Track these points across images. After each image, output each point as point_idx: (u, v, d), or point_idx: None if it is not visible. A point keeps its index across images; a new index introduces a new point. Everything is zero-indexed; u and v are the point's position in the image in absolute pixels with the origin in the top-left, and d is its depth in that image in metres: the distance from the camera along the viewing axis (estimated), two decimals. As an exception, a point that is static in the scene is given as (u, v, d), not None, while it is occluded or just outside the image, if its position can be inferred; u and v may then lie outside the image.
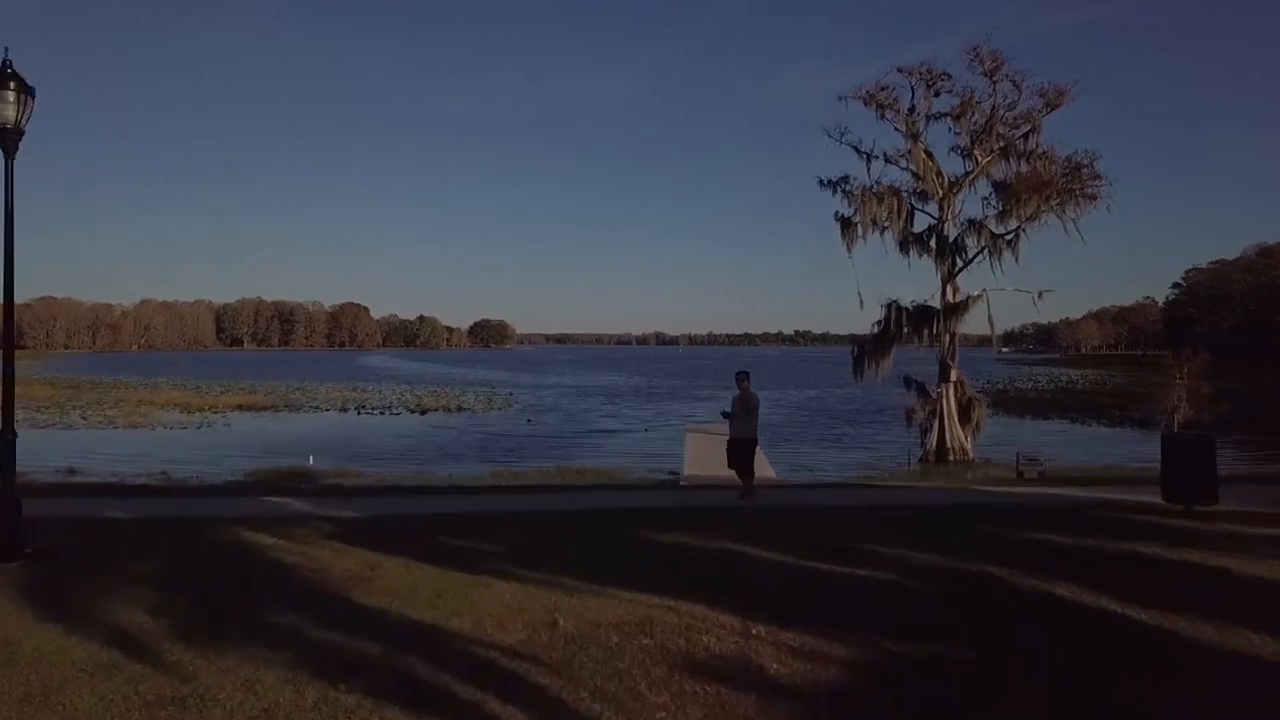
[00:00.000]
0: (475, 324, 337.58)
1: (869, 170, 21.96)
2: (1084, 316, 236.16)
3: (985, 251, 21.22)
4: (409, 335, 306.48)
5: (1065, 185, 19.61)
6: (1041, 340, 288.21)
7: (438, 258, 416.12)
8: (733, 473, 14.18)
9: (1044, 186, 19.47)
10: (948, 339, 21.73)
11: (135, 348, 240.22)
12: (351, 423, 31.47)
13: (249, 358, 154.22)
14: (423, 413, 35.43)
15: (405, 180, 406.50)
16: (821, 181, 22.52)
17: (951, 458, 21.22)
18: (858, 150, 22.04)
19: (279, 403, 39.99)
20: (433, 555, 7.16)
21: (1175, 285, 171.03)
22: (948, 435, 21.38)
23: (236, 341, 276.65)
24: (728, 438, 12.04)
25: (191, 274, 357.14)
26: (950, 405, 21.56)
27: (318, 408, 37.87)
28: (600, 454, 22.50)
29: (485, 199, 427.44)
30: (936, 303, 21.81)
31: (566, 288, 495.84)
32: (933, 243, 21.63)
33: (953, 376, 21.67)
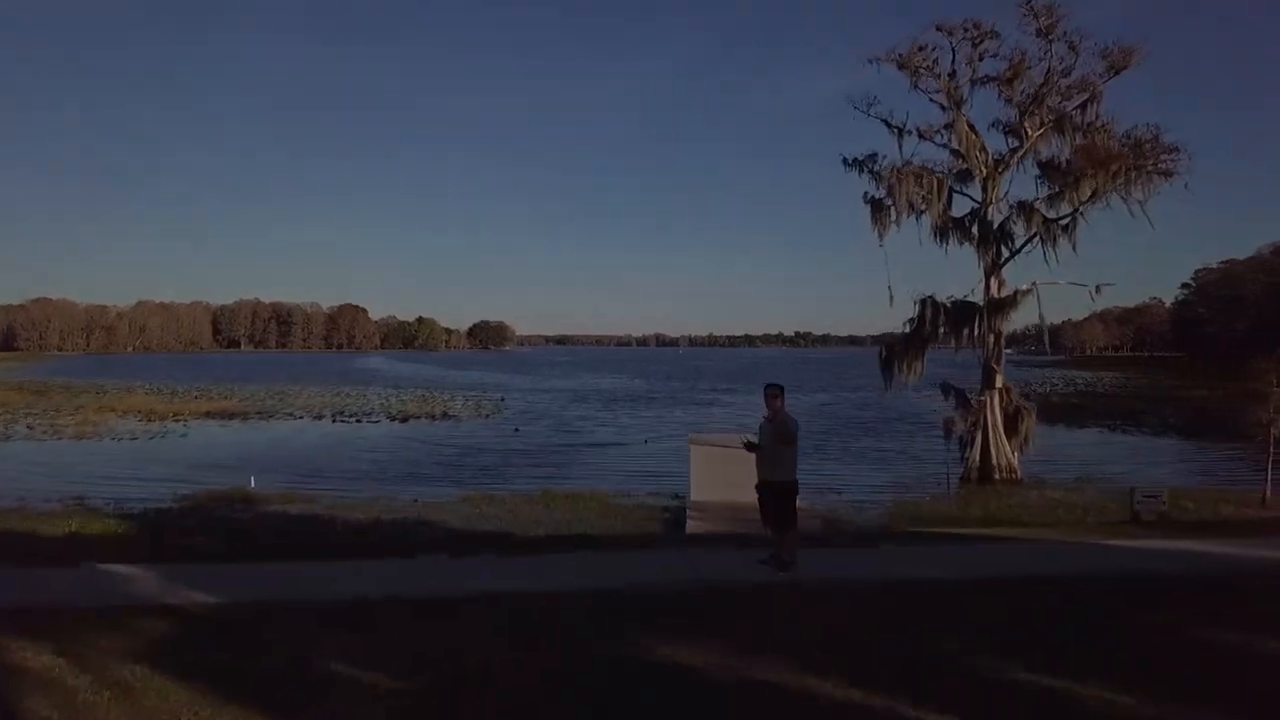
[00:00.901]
0: (474, 325, 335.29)
1: (901, 147, 19.20)
2: (1088, 318, 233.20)
3: (1037, 239, 18.41)
4: (407, 337, 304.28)
5: (1136, 161, 16.76)
6: (1037, 341, 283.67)
7: (437, 259, 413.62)
8: (753, 505, 11.43)
9: (1111, 161, 16.65)
10: (991, 340, 18.90)
11: (130, 349, 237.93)
12: (323, 433, 28.65)
13: (243, 359, 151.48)
14: (403, 420, 32.61)
15: (405, 181, 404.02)
16: (846, 161, 19.76)
17: (998, 476, 18.41)
18: (888, 124, 19.28)
19: (252, 409, 37.18)
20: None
21: (1184, 286, 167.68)
22: (993, 451, 18.56)
23: (234, 343, 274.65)
24: (756, 480, 7.88)
25: (189, 275, 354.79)
26: (995, 416, 18.74)
27: (292, 415, 35.05)
28: (593, 471, 19.69)
29: (485, 200, 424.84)
30: (978, 298, 19.05)
31: (566, 289, 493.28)
32: (975, 229, 18.82)
33: (998, 383, 18.84)
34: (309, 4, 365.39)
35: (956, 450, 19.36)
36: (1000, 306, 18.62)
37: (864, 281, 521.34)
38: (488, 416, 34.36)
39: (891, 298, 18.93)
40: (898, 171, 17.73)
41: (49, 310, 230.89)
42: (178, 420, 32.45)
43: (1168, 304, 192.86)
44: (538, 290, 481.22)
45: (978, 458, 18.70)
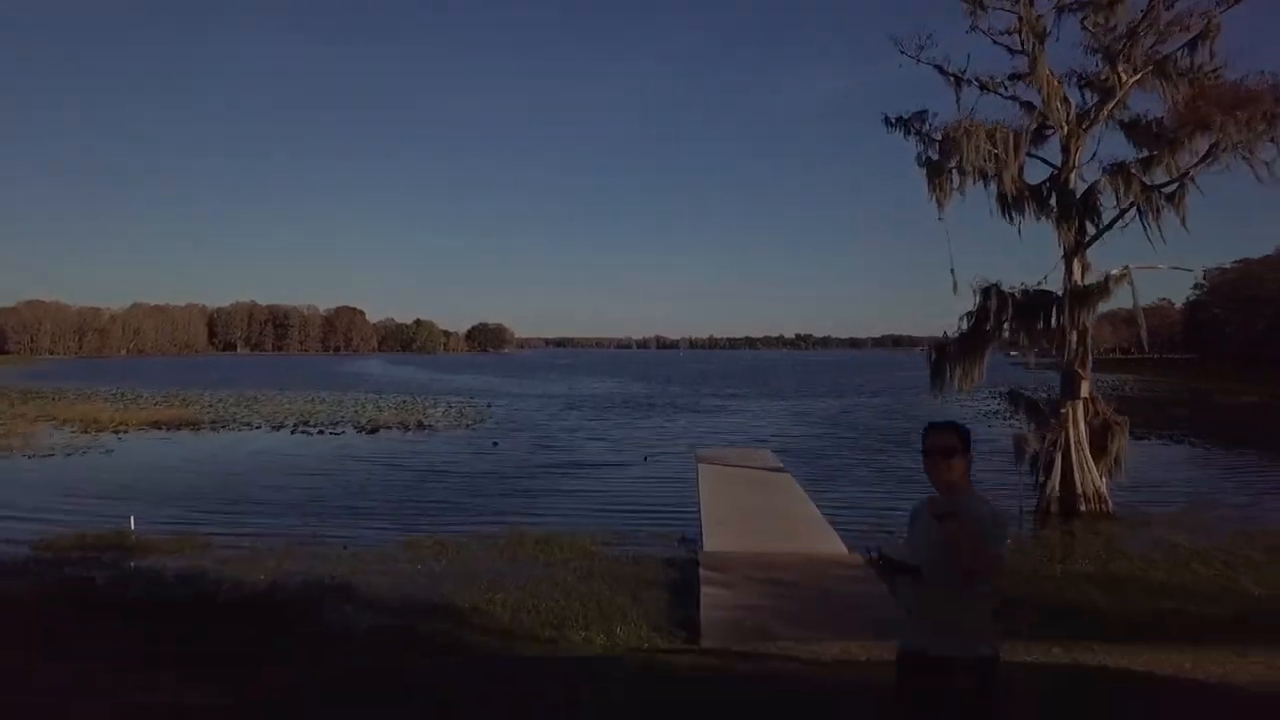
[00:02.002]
0: (473, 328, 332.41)
1: (958, 99, 15.53)
2: (1096, 319, 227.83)
3: (1132, 211, 14.73)
4: (405, 339, 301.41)
5: (1274, 109, 13.05)
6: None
7: (436, 261, 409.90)
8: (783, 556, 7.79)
9: (1245, 104, 12.95)
10: (1074, 338, 15.20)
11: (123, 352, 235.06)
12: (273, 447, 24.93)
13: (234, 363, 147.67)
14: (372, 431, 28.89)
15: (404, 182, 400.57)
16: (889, 120, 16.09)
17: (1083, 508, 14.72)
18: (942, 71, 15.61)
19: (208, 418, 33.47)
20: None
21: (1196, 286, 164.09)
22: (1077, 476, 14.86)
23: (230, 346, 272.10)
24: (899, 649, 3.02)
25: (186, 277, 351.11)
26: (1080, 433, 15.04)
27: (250, 424, 31.35)
28: (580, 502, 15.97)
29: (484, 201, 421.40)
30: (1054, 285, 15.36)
31: (566, 291, 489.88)
32: (1053, 200, 15.14)
33: (1083, 391, 15.13)
34: (308, 4, 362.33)
35: (1029, 474, 15.65)
36: (1085, 296, 14.91)
37: (864, 283, 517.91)
38: (468, 427, 30.62)
39: (955, 283, 15.19)
40: (965, 125, 14.01)
41: (40, 313, 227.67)
42: (117, 432, 28.78)
43: (1177, 305, 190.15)
44: (537, 292, 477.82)
45: (1057, 485, 14.99)
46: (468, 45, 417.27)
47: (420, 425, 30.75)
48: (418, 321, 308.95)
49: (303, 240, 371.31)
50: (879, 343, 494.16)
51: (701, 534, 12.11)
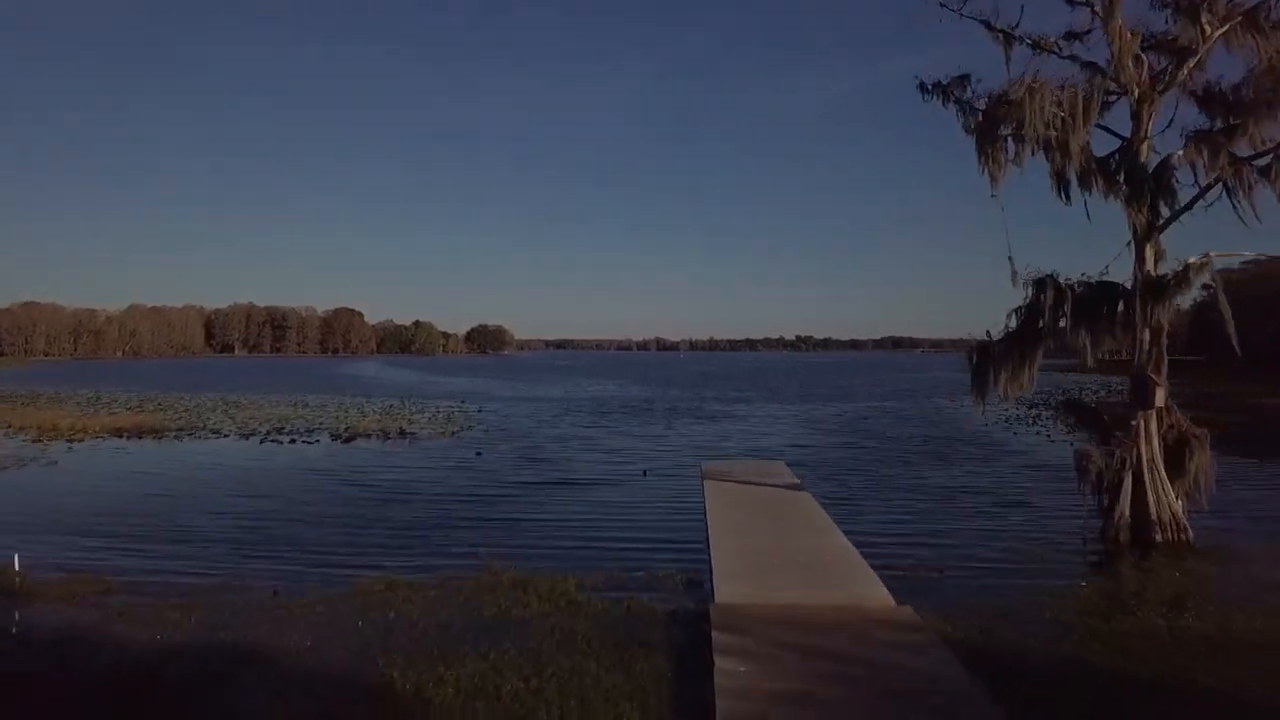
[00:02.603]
0: (472, 329, 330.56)
1: (1008, 60, 13.32)
2: None
3: (1219, 187, 12.50)
4: (404, 341, 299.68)
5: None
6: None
7: (436, 262, 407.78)
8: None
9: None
10: (1147, 337, 12.98)
11: (119, 354, 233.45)
12: (232, 458, 22.72)
13: (227, 365, 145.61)
14: (347, 440, 26.66)
15: (403, 184, 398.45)
16: (925, 87, 13.90)
17: (1159, 537, 12.49)
18: (990, 27, 13.39)
19: (175, 425, 31.25)
20: None
21: (1206, 287, 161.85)
22: (1151, 500, 12.64)
23: (228, 348, 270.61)
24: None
25: (183, 279, 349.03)
26: (1154, 449, 12.82)
27: (218, 432, 29.12)
28: (569, 528, 13.74)
29: (484, 203, 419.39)
30: (1120, 275, 13.18)
31: (566, 293, 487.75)
32: (1121, 176, 12.91)
33: (1158, 400, 12.91)
34: (308, 4, 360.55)
35: (1091, 496, 13.41)
36: (1160, 288, 12.67)
37: (865, 285, 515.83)
38: (453, 434, 28.38)
39: (1013, 272, 12.95)
40: (1030, 82, 11.74)
41: (35, 314, 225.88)
42: (72, 440, 26.57)
43: (1182, 306, 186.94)
44: (537, 294, 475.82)
45: (1127, 510, 12.77)
46: (468, 46, 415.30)
47: (402, 433, 28.51)
48: (416, 323, 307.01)
49: (302, 241, 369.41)
50: (879, 344, 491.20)
51: (712, 577, 9.88)
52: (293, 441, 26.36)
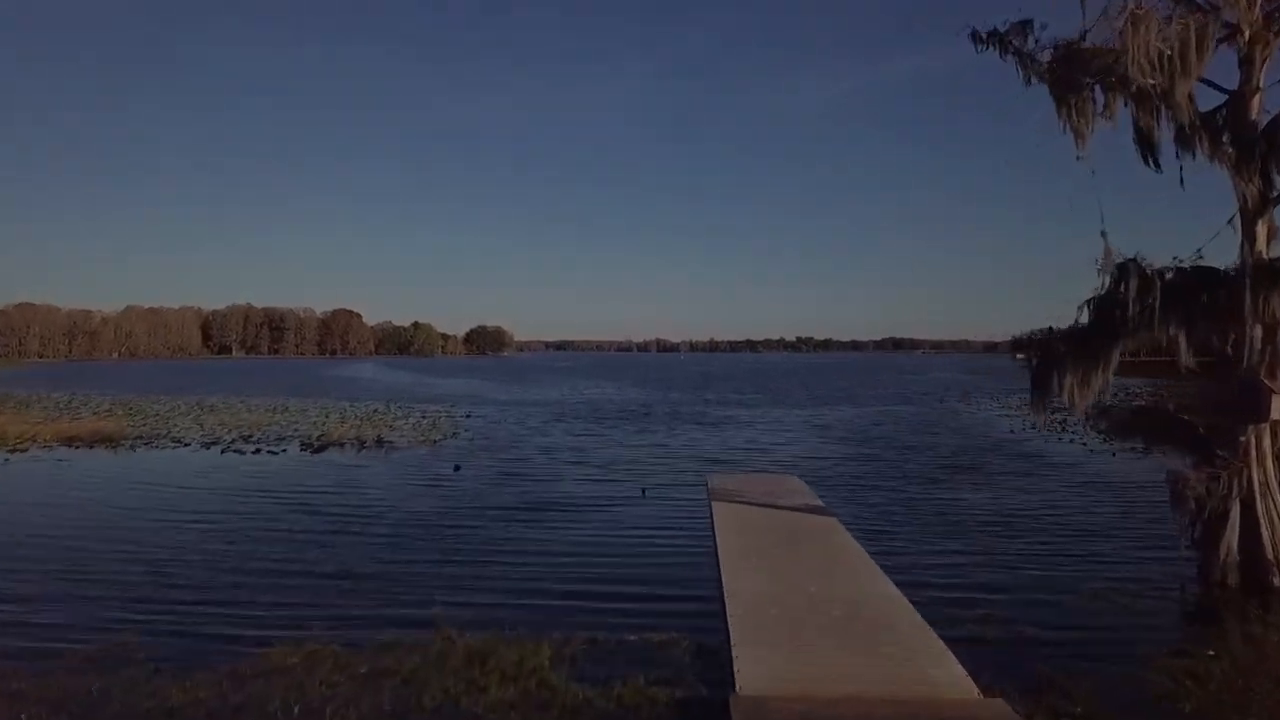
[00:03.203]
0: (471, 331, 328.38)
1: (1083, 4, 10.94)
2: None
3: (1352, 149, 10.11)
4: (403, 342, 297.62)
5: None
6: None
7: (435, 263, 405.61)
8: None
9: None
10: (1258, 333, 10.59)
11: (116, 356, 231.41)
12: (177, 474, 20.33)
13: (223, 366, 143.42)
14: (319, 450, 24.29)
15: (403, 184, 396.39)
16: (978, 36, 11.51)
17: (1277, 582, 10.13)
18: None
19: (135, 432, 28.87)
20: None
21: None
22: (1266, 535, 10.25)
23: (225, 349, 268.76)
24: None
25: (182, 280, 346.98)
26: (1268, 471, 10.43)
27: (181, 440, 26.75)
28: (548, 569, 11.33)
29: (484, 203, 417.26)
30: (1215, 258, 10.83)
31: (566, 294, 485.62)
32: (1225, 136, 10.53)
33: (1274, 411, 10.52)
34: (306, 4, 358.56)
35: (1189, 529, 11.01)
36: (1274, 274, 10.29)
37: (864, 286, 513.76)
38: (434, 443, 25.98)
39: (1106, 248, 10.54)
40: (1133, 10, 9.32)
41: (29, 315, 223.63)
42: (16, 449, 24.22)
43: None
44: (537, 295, 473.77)
45: (1235, 547, 10.39)
46: (468, 46, 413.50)
47: (379, 442, 26.13)
48: (415, 324, 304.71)
49: (302, 242, 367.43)
50: (880, 345, 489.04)
51: (729, 643, 7.49)
52: (257, 451, 23.98)
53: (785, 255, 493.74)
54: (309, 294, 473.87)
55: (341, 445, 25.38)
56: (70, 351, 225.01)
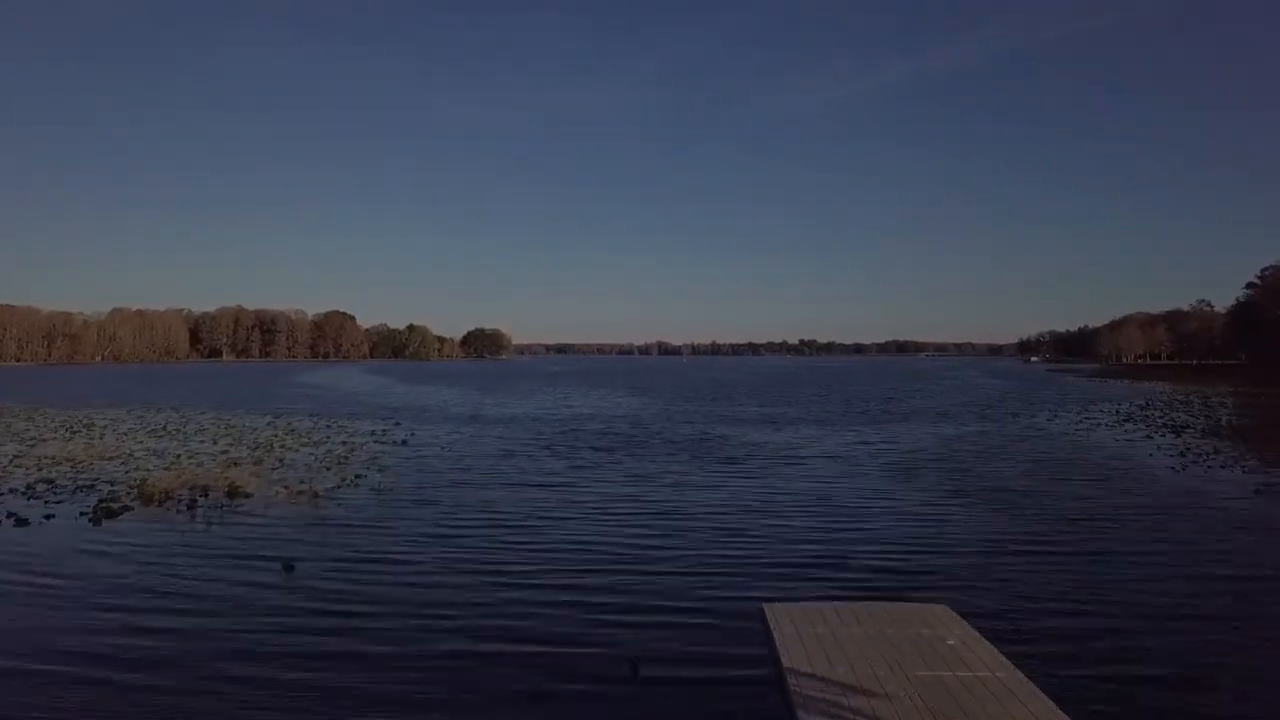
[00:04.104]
0: (469, 333, 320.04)
1: None
2: (1117, 321, 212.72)
3: None
4: (397, 345, 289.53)
5: None
6: (1055, 349, 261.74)
7: (435, 265, 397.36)
8: None
9: None
10: None
11: (99, 359, 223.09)
12: None
13: (199, 370, 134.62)
14: (114, 514, 14.97)
15: (402, 185, 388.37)
16: None
17: None
18: None
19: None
20: None
21: (1250, 285, 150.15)
22: None
23: (215, 352, 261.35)
24: None
25: (178, 281, 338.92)
26: None
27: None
28: None
29: (484, 206, 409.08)
30: None
31: (567, 297, 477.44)
32: None
33: None
34: (306, 4, 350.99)
35: None
36: None
37: (866, 288, 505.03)
38: (316, 497, 16.46)
39: None
40: None
41: (6, 317, 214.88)
42: None
43: (1218, 308, 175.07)
44: (538, 297, 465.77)
45: None
46: (467, 47, 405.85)
47: (233, 492, 16.76)
48: (410, 327, 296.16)
49: (301, 243, 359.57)
50: (883, 348, 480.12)
51: None
52: (11, 517, 14.68)
53: (786, 257, 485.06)
54: (308, 296, 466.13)
55: (165, 501, 16.06)
56: (49, 355, 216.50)
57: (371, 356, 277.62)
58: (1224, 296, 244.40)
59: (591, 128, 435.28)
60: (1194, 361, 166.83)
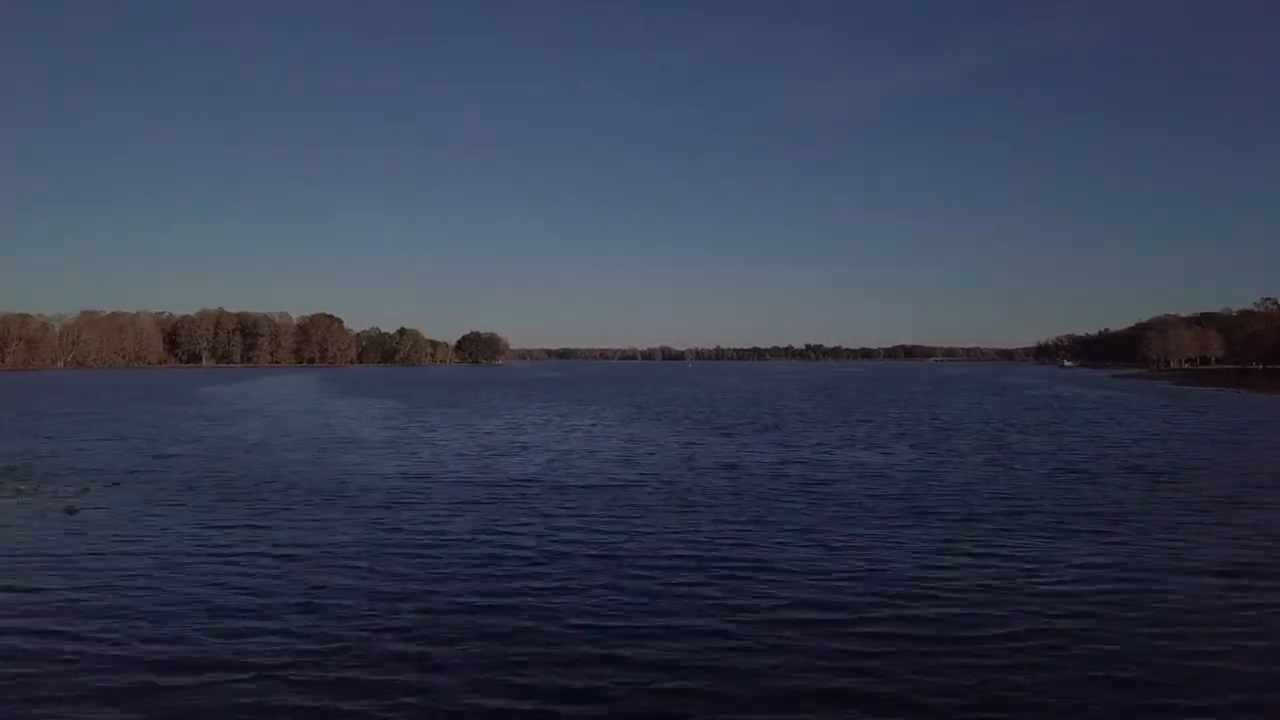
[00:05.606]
0: (463, 338, 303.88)
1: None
2: (1159, 321, 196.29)
3: None
4: (387, 350, 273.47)
5: None
6: (1077, 353, 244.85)
7: (434, 269, 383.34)
8: None
9: None
10: None
11: (61, 364, 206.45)
12: None
13: (128, 379, 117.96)
14: None
15: (401, 187, 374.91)
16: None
17: None
18: None
19: None
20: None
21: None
22: None
23: (195, 357, 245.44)
24: None
25: (151, 284, 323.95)
26: None
27: None
28: None
29: (483, 207, 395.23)
30: None
31: (569, 301, 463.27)
32: None
33: None
34: (304, 4, 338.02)
35: None
36: None
37: (871, 293, 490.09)
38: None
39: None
40: None
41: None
42: None
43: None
44: (539, 301, 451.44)
45: None
46: (467, 48, 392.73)
47: None
48: (401, 330, 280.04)
49: (296, 244, 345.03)
50: (891, 353, 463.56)
51: None
52: None
53: (791, 262, 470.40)
54: (304, 297, 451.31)
55: None
56: (3, 361, 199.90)
57: (360, 361, 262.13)
58: (1242, 299, 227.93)
59: (593, 129, 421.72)
60: (1258, 366, 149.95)
